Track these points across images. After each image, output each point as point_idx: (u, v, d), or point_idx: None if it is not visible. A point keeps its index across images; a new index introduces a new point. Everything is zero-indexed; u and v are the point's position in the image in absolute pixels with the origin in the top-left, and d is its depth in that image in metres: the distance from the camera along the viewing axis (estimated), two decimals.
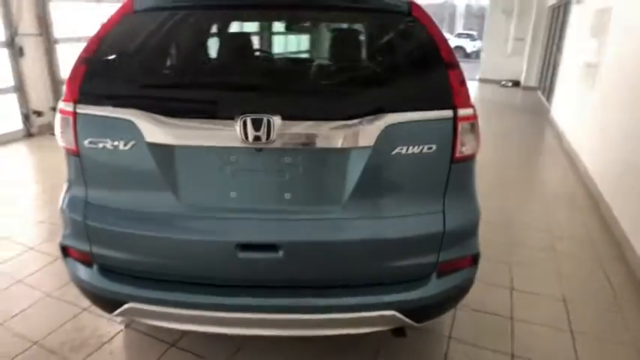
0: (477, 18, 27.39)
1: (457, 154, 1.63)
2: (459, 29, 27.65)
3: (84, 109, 1.65)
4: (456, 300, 1.90)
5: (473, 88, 11.84)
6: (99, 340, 2.30)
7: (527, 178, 4.92)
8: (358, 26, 2.35)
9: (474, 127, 1.66)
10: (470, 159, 1.70)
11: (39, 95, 6.26)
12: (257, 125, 1.50)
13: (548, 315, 2.56)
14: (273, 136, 1.52)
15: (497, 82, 12.30)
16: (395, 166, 1.62)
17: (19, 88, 6.04)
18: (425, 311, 1.77)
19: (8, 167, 5.00)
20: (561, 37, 8.42)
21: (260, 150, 1.57)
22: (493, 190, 4.48)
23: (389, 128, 1.56)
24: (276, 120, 1.52)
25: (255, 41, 2.25)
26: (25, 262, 3.04)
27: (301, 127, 1.55)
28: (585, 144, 5.11)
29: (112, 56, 1.70)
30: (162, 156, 1.62)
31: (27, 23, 5.98)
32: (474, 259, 1.81)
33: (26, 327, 2.40)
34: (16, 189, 4.35)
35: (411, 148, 1.58)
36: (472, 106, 1.65)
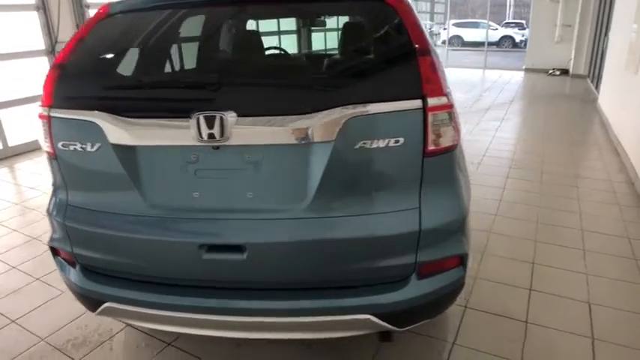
0: (527, 7, 26.16)
1: (430, 147, 1.51)
2: (509, 19, 26.53)
3: (56, 113, 1.68)
4: (442, 304, 1.76)
5: (518, 78, 11.28)
6: (100, 338, 2.35)
7: (567, 171, 4.57)
8: (326, 18, 2.25)
9: (448, 118, 1.52)
10: (447, 151, 1.56)
11: None
12: (210, 123, 1.47)
13: (568, 319, 2.35)
14: (227, 133, 1.48)
15: (545, 72, 11.63)
16: (360, 162, 1.52)
17: None
18: (405, 315, 1.65)
19: (38, 174, 5.21)
20: (609, 22, 7.83)
21: (217, 148, 1.53)
22: (530, 185, 4.22)
23: (350, 121, 1.47)
24: (230, 117, 1.48)
25: (223, 37, 2.16)
26: (46, 261, 3.17)
27: (257, 123, 1.50)
28: (630, 133, 4.70)
29: (82, 61, 1.73)
30: (127, 157, 1.62)
31: (66, 31, 6.27)
32: (461, 260, 1.67)
33: (37, 324, 2.49)
34: (44, 194, 4.54)
35: (375, 142, 1.48)
36: (446, 95, 1.52)
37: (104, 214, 1.70)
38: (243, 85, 1.60)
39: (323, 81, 1.60)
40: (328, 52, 1.84)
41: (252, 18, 1.97)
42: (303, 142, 1.49)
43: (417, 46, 1.51)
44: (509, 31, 21.37)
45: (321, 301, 1.58)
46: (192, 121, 1.49)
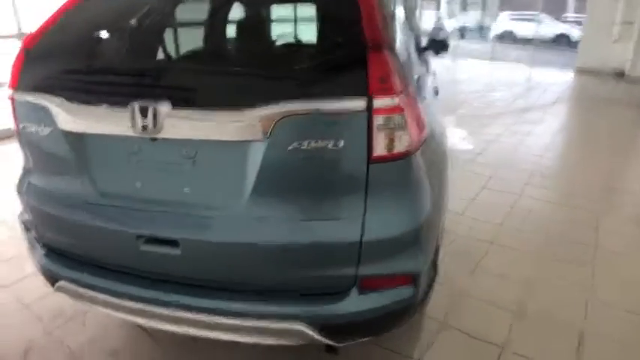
0: None
1: (376, 153, 1.39)
2: (571, 13, 24.92)
3: (19, 96, 1.72)
4: (388, 323, 1.66)
5: (567, 78, 10.64)
6: (76, 312, 2.40)
7: (598, 182, 4.24)
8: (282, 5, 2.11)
9: (401, 121, 1.39)
10: (401, 158, 1.44)
11: None
12: (144, 113, 1.44)
13: (552, 350, 2.16)
14: (160, 124, 1.44)
15: (598, 73, 10.88)
16: (295, 164, 1.42)
17: None
18: (344, 330, 1.55)
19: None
20: None
21: (155, 140, 1.49)
22: (550, 194, 3.96)
23: (285, 119, 1.37)
24: (164, 107, 1.44)
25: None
26: None
27: (191, 116, 1.44)
28: None
29: (47, 45, 1.74)
30: (75, 143, 1.63)
31: None
32: (413, 279, 1.55)
33: (25, 291, 2.58)
34: None
35: (312, 143, 1.37)
36: (398, 95, 1.39)
37: (59, 196, 1.73)
38: (181, 75, 1.55)
39: (258, 74, 1.50)
40: (276, 44, 1.72)
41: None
42: (234, 139, 1.43)
43: (369, 38, 1.38)
44: (566, 28, 20.12)
45: (252, 304, 1.52)
46: (128, 111, 1.46)
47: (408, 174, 1.50)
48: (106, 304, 1.72)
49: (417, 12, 14.94)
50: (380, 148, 1.39)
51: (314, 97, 1.36)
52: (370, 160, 1.39)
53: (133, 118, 1.46)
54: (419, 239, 1.54)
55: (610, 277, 2.75)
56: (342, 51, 1.43)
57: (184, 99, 1.45)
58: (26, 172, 1.89)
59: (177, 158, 1.51)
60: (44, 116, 1.63)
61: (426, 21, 23.67)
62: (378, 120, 1.36)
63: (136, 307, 1.64)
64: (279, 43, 1.75)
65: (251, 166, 1.44)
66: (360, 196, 1.44)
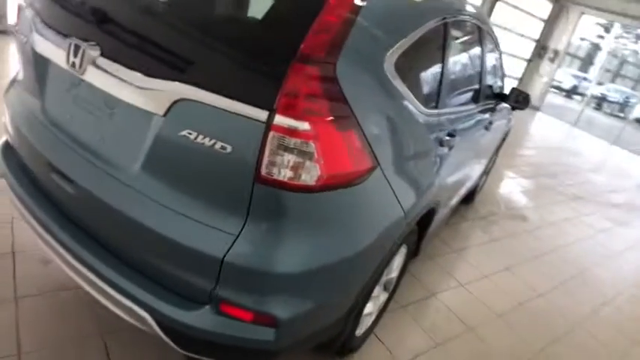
0: None
1: (265, 173, 1.24)
2: None
3: (23, 2, 1.81)
4: (238, 357, 1.49)
5: None
6: None
7: (628, 330, 3.60)
8: None
9: (307, 150, 1.22)
10: (296, 190, 1.26)
11: None
12: (77, 51, 1.45)
13: None
14: (84, 66, 1.44)
15: None
16: (182, 152, 1.33)
17: None
18: (189, 341, 1.43)
19: None
20: None
21: (82, 81, 1.50)
22: (569, 307, 3.42)
23: (181, 103, 1.29)
24: (93, 52, 1.42)
25: None
26: None
27: (110, 68, 1.41)
28: None
29: None
30: (38, 60, 1.67)
31: None
32: (277, 323, 1.37)
33: None
34: None
35: (201, 137, 1.26)
36: (315, 121, 1.21)
37: (25, 104, 1.80)
38: (123, 25, 1.49)
39: (172, 46, 1.40)
40: (211, 19, 1.53)
41: None
42: (136, 105, 1.37)
43: (307, 46, 1.20)
44: None
45: (112, 271, 1.45)
46: (66, 44, 1.48)
47: (306, 211, 1.33)
48: (22, 216, 1.77)
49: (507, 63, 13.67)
50: (272, 171, 1.24)
51: (217, 90, 1.25)
52: (257, 179, 1.25)
53: (68, 52, 1.47)
54: (296, 286, 1.38)
55: None
56: (270, 50, 1.27)
57: (112, 50, 1.43)
58: (16, 76, 1.99)
59: (101, 105, 1.50)
60: (29, 28, 1.69)
61: (565, 78, 22.07)
62: (276, 140, 1.21)
63: (37, 229, 1.66)
64: (215, 18, 1.60)
65: (148, 139, 1.38)
66: (240, 214, 1.31)
